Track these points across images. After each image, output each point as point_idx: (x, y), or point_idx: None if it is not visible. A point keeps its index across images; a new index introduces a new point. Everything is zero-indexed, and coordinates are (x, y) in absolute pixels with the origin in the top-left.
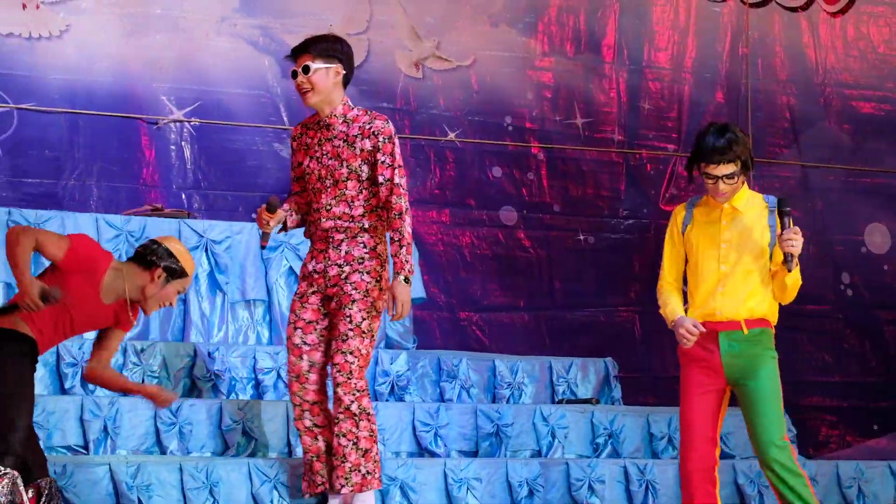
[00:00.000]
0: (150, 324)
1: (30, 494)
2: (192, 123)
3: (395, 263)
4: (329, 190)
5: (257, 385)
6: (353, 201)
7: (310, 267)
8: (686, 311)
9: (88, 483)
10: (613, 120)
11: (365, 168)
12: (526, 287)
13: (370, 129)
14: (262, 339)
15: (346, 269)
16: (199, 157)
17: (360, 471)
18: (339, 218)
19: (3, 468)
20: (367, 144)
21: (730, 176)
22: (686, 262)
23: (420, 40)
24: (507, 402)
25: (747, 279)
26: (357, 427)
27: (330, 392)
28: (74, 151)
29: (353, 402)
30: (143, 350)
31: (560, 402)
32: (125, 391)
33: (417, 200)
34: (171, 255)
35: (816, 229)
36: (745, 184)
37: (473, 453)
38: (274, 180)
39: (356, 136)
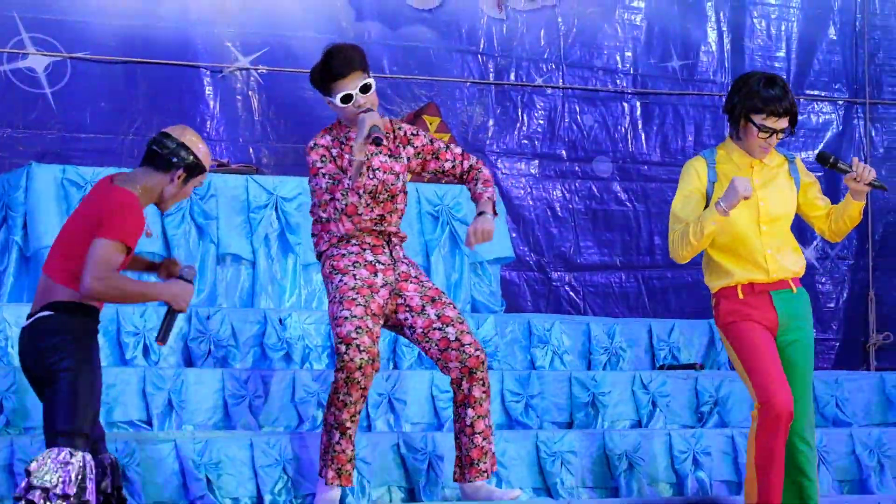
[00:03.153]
0: (217, 288)
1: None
2: (259, 71)
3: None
4: (384, 204)
5: (333, 354)
6: (402, 214)
7: (368, 257)
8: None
9: (153, 461)
10: (714, 61)
11: (406, 176)
12: (623, 244)
13: (403, 134)
14: None
15: (413, 270)
16: (267, 108)
17: (493, 454)
18: (398, 229)
19: (74, 451)
20: (410, 151)
21: (783, 131)
22: None
23: None
24: (604, 368)
25: (787, 234)
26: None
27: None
28: (132, 103)
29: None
30: (209, 317)
31: (661, 367)
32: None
33: (504, 152)
34: (189, 152)
35: None
36: None
37: (568, 425)
38: None
39: (398, 147)
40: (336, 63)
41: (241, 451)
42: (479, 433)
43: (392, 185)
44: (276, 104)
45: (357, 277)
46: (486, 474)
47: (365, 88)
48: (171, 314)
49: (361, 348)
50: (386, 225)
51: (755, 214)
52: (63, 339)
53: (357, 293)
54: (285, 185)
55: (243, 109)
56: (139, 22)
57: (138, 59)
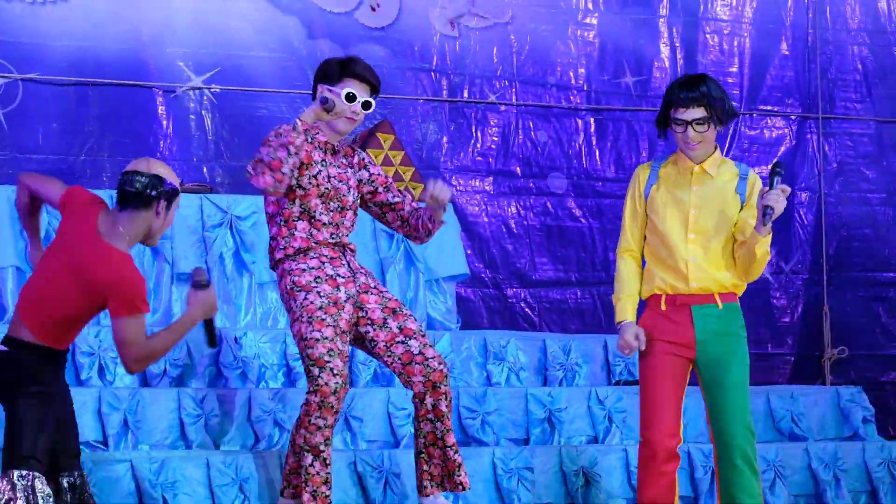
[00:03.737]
0: (172, 308)
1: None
2: (211, 90)
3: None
4: (333, 213)
5: (289, 372)
6: (348, 229)
7: (329, 271)
8: (642, 285)
9: (108, 481)
10: (667, 77)
11: (356, 195)
12: (578, 260)
13: (361, 159)
14: None
15: (371, 280)
16: (220, 127)
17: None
18: (349, 241)
19: (23, 471)
20: (365, 175)
21: (700, 122)
22: (646, 225)
23: None
24: (560, 384)
25: (717, 249)
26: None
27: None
28: (84, 124)
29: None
30: None
31: (617, 383)
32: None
33: (458, 169)
34: (161, 180)
35: (892, 190)
36: (718, 149)
37: (524, 441)
38: None
39: (356, 166)
40: (361, 66)
41: (198, 470)
42: (450, 446)
43: (343, 196)
44: (230, 123)
45: (322, 294)
46: (462, 486)
47: (366, 105)
48: (208, 323)
49: (335, 372)
50: (340, 236)
51: (684, 223)
52: (21, 375)
53: (325, 312)
54: (239, 203)
55: (196, 129)
56: (91, 43)
57: (90, 80)
